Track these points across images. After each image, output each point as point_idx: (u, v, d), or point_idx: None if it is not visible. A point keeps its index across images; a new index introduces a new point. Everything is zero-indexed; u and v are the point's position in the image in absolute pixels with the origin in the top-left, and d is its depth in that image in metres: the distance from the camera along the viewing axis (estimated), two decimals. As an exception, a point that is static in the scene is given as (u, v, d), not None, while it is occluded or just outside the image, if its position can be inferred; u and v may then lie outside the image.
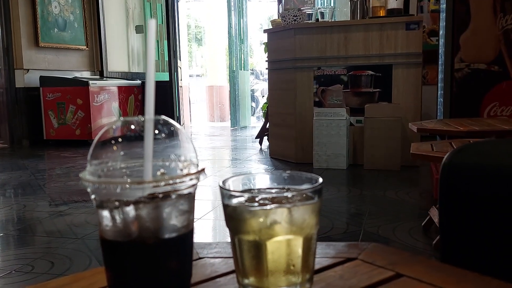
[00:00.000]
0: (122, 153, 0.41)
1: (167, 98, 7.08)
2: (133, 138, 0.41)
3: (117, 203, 0.39)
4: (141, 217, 0.39)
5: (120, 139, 0.41)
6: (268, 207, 0.41)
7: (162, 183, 0.38)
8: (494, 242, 0.62)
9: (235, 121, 7.81)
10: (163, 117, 0.42)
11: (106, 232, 0.40)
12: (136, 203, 0.38)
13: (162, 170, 0.42)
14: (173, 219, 0.40)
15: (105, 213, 0.39)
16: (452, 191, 0.61)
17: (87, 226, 2.46)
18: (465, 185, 0.60)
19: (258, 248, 0.42)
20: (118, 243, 0.39)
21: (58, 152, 5.30)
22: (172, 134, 0.42)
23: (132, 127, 0.41)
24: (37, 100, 5.83)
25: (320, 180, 0.44)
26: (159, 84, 7.03)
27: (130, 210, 0.38)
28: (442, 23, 3.15)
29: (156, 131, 0.41)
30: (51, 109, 5.81)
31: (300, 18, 4.20)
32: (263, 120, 5.88)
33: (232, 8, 7.65)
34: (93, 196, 0.40)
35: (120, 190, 0.38)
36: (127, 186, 0.38)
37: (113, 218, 0.39)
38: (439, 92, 3.42)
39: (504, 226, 0.59)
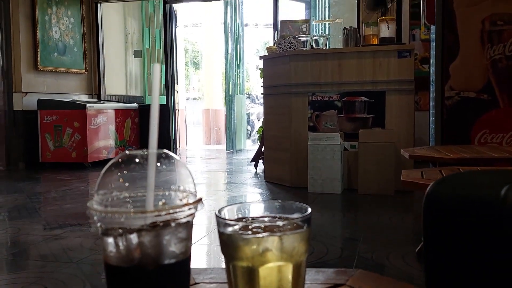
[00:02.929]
0: (126, 184, 0.45)
1: (164, 121, 7.13)
2: (137, 170, 0.45)
3: (121, 231, 0.42)
4: (143, 244, 0.42)
5: (125, 171, 0.45)
6: (260, 235, 0.44)
7: (163, 213, 0.42)
8: (474, 272, 0.65)
9: (231, 144, 7.85)
10: (165, 150, 0.45)
11: (110, 258, 0.43)
12: (138, 231, 0.42)
13: (163, 200, 0.45)
14: (172, 246, 0.43)
15: (110, 240, 0.42)
16: (434, 221, 0.64)
17: (82, 250, 2.46)
18: (446, 216, 0.64)
19: (251, 274, 0.45)
20: (121, 268, 0.42)
21: (54, 174, 5.30)
22: (172, 166, 0.46)
23: (136, 160, 0.45)
24: (35, 123, 5.87)
25: (309, 210, 0.48)
26: (156, 108, 7.08)
27: (133, 237, 0.42)
28: (432, 52, 3.24)
29: (158, 164, 0.44)
30: (48, 131, 5.84)
31: (295, 45, 4.29)
32: (259, 143, 5.93)
33: (229, 34, 7.79)
34: (99, 224, 0.43)
35: (125, 219, 0.41)
36: (131, 215, 0.41)
37: (117, 244, 0.42)
38: (430, 119, 3.49)
39: (482, 256, 0.62)
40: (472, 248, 0.65)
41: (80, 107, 5.77)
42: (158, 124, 0.45)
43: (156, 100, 0.44)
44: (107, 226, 0.43)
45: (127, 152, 0.45)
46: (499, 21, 2.99)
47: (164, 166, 0.45)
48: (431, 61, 3.43)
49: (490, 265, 0.64)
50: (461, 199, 0.64)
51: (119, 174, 0.45)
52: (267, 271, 0.44)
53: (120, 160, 0.45)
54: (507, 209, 0.62)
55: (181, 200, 0.45)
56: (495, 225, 0.62)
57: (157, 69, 0.44)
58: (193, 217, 0.46)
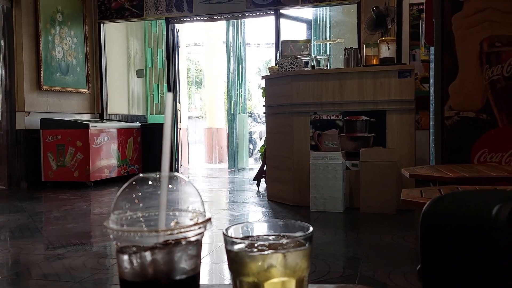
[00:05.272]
0: (140, 204, 0.48)
1: (166, 141, 7.16)
2: (150, 191, 0.48)
3: (135, 249, 0.45)
4: (156, 261, 0.45)
5: (139, 193, 0.48)
6: (265, 252, 0.47)
7: (175, 231, 0.45)
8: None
9: (233, 163, 7.88)
10: (176, 173, 0.49)
11: (125, 274, 0.45)
12: (152, 248, 0.45)
13: (175, 220, 0.48)
14: (183, 263, 0.46)
15: (125, 257, 0.45)
16: (430, 239, 0.67)
17: (85, 270, 2.47)
18: (442, 234, 0.66)
19: (257, 289, 0.47)
20: (135, 284, 0.45)
21: (56, 194, 5.32)
22: (183, 188, 0.49)
23: (150, 182, 0.48)
24: (37, 142, 5.91)
25: (311, 228, 0.50)
26: (159, 127, 7.14)
27: (147, 254, 0.45)
28: (432, 73, 3.30)
29: (170, 186, 0.48)
30: (50, 151, 5.87)
31: (296, 66, 4.36)
32: (261, 162, 5.96)
33: (231, 54, 7.90)
34: (114, 242, 0.46)
35: (139, 237, 0.44)
36: (146, 234, 0.44)
37: (131, 261, 0.45)
38: (431, 138, 3.53)
39: (477, 272, 0.65)
40: (467, 265, 0.67)
41: (82, 127, 5.82)
42: (170, 149, 0.48)
43: (168, 127, 0.48)
44: (122, 244, 0.45)
45: (141, 175, 0.48)
46: (497, 43, 3.05)
47: (175, 188, 0.48)
48: (431, 82, 3.48)
49: (484, 281, 0.67)
50: (455, 218, 0.67)
51: (133, 195, 0.48)
52: (272, 286, 0.47)
53: (134, 182, 0.48)
54: (498, 227, 0.65)
55: (191, 219, 0.48)
56: (488, 242, 0.64)
57: (170, 98, 0.47)
58: (202, 236, 0.48)
